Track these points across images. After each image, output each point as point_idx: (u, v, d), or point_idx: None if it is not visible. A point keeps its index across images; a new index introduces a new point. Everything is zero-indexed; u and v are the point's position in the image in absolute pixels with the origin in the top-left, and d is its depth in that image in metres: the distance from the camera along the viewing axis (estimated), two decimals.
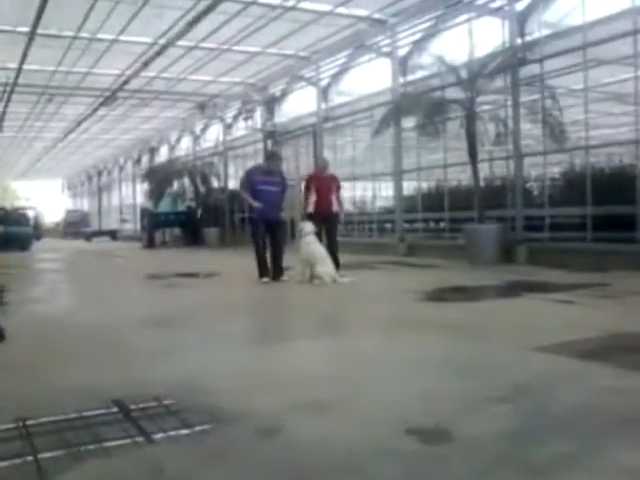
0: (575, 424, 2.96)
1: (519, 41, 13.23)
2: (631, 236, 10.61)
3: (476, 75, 13.12)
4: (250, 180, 10.28)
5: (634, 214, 10.61)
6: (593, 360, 4.15)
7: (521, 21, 13.29)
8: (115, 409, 3.27)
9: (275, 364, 4.35)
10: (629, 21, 10.99)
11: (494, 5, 13.89)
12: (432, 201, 15.78)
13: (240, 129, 24.88)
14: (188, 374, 3.98)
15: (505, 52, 13.21)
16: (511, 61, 12.99)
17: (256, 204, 9.88)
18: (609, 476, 2.40)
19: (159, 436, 2.88)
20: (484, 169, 14.13)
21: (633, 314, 6.11)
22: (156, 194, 26.44)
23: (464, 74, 13.41)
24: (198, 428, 2.97)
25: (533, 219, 12.85)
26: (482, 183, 13.85)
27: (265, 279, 9.81)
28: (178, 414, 3.17)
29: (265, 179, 10.12)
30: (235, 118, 24.99)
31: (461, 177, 15.44)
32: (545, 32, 12.94)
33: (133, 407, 3.28)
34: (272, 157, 11.19)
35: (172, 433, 2.91)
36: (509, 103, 13.16)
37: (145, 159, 34.93)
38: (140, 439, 2.85)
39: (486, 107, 13.94)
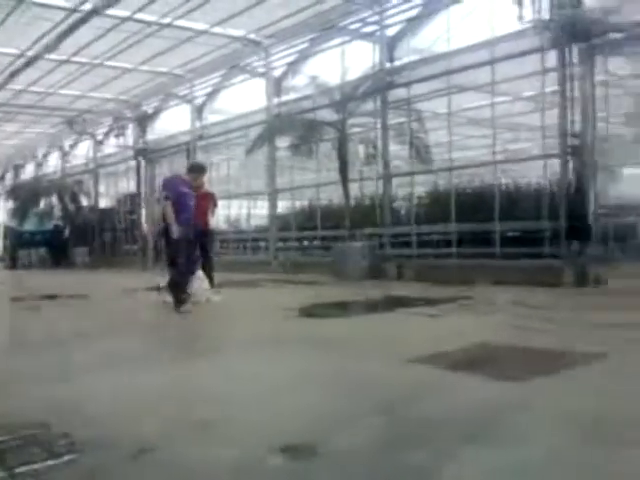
0: (438, 434, 3.07)
1: (388, 65, 13.79)
2: (492, 251, 11.25)
3: (348, 97, 13.54)
4: (175, 190, 8.56)
5: (493, 231, 11.28)
6: (462, 370, 4.34)
7: (391, 46, 13.88)
8: None
9: (154, 386, 4.22)
10: (487, 51, 11.73)
11: (366, 30, 14.40)
12: (305, 219, 16.04)
13: (111, 146, 24.25)
14: (58, 400, 3.78)
15: (375, 76, 13.73)
16: (381, 84, 13.52)
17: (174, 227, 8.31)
18: None
19: (22, 469, 2.71)
20: (355, 189, 14.54)
21: (495, 326, 6.46)
22: (20, 212, 25.23)
23: (337, 96, 13.80)
24: (66, 458, 2.82)
25: (402, 236, 13.33)
26: (353, 202, 14.26)
27: (186, 306, 8.20)
28: (45, 444, 2.99)
29: (188, 191, 8.75)
30: (106, 135, 24.34)
31: (333, 196, 15.79)
32: (413, 58, 13.57)
33: None
34: (196, 169, 9.74)
35: (37, 466, 2.74)
36: (378, 125, 13.63)
37: (9, 176, 33.27)
38: (1, 474, 2.70)
39: (357, 129, 14.42)
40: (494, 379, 4.09)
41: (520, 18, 10.93)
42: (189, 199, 8.64)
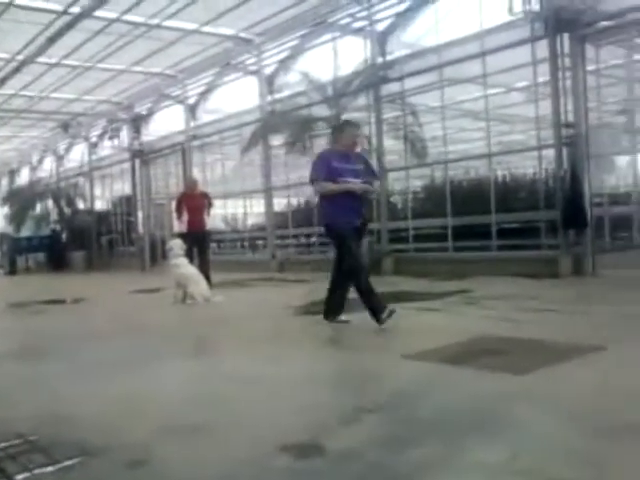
0: (441, 427, 3.10)
1: (380, 60, 13.77)
2: (488, 244, 11.27)
3: (341, 93, 13.53)
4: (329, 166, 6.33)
5: (489, 224, 11.29)
6: (458, 364, 4.36)
7: (382, 41, 13.85)
8: None
9: (148, 388, 4.24)
10: (478, 43, 11.72)
11: (356, 25, 14.38)
12: (302, 217, 16.03)
13: (106, 148, 24.18)
14: (56, 407, 3.79)
15: (367, 70, 13.71)
16: (373, 79, 13.50)
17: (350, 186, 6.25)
18: (470, 473, 2.56)
19: (22, 476, 2.72)
20: None
21: (493, 318, 6.45)
22: (17, 218, 25.20)
23: (330, 92, 13.79)
24: (66, 463, 2.82)
25: (399, 231, 13.34)
26: None
27: None
28: (44, 450, 3.00)
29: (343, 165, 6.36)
30: (100, 137, 24.24)
31: None
32: (404, 52, 13.56)
33: None
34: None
35: (37, 471, 2.76)
36: (372, 120, 13.62)
37: (4, 182, 33.21)
38: None
39: None
40: (490, 371, 4.14)
41: (510, 10, 10.93)
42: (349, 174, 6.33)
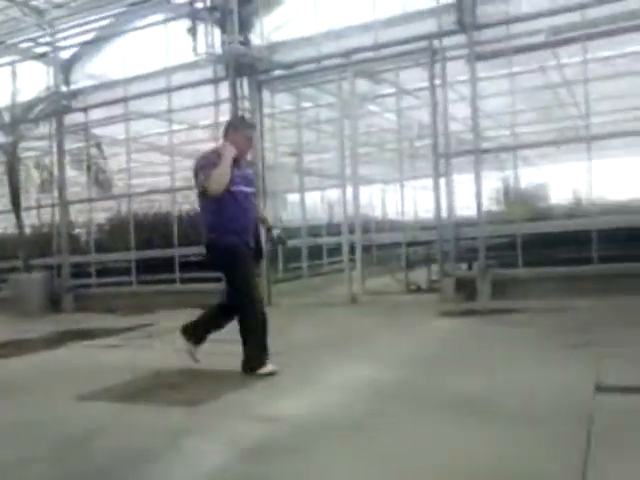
0: (117, 469, 3.07)
1: (64, 89, 13.29)
2: (173, 277, 11.39)
3: (19, 119, 12.79)
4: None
5: (173, 257, 11.44)
6: (137, 401, 4.34)
7: (66, 69, 13.39)
8: None
9: None
10: (164, 79, 11.92)
11: (39, 50, 13.70)
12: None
13: None
14: None
15: (50, 98, 13.14)
16: (56, 107, 12.96)
17: None
18: None
19: None
20: (32, 216, 13.72)
21: (168, 352, 6.49)
22: None
23: (5, 118, 12.96)
24: None
25: (81, 266, 12.86)
26: (29, 231, 13.43)
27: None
28: None
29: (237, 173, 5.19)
30: None
31: (7, 225, 14.66)
32: (90, 82, 13.26)
33: None
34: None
35: None
36: (54, 150, 13.06)
37: None
38: None
39: (32, 153, 13.68)
40: (167, 405, 4.18)
41: (194, 49, 11.29)
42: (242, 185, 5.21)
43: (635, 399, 3.76)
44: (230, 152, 4.93)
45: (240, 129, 5.26)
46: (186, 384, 4.84)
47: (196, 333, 5.26)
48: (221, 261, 5.13)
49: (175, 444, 3.37)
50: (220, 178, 4.85)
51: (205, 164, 4.97)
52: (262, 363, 4.88)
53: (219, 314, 5.28)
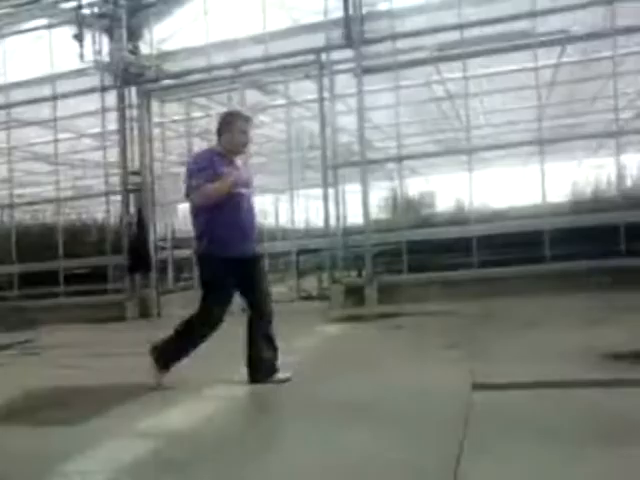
0: None
1: None
2: (57, 290, 11.03)
3: None
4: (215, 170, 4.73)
5: (58, 270, 11.08)
6: (13, 423, 4.16)
7: None
8: None
9: None
10: (50, 86, 11.54)
11: None
12: None
13: None
14: None
15: None
16: None
17: None
18: None
19: None
20: None
21: (57, 367, 6.25)
22: None
23: None
24: None
25: None
26: None
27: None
28: None
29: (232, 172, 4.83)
30: None
31: None
32: None
33: None
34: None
35: None
36: None
37: None
38: None
39: None
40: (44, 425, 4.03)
41: (81, 56, 11.00)
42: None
43: (505, 395, 4.00)
44: (231, 178, 4.62)
45: (233, 123, 4.86)
46: (71, 402, 4.67)
47: (258, 357, 4.81)
48: (201, 266, 4.90)
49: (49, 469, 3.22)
50: (209, 199, 4.58)
51: (200, 168, 4.64)
52: (163, 365, 4.74)
53: (253, 328, 4.87)
